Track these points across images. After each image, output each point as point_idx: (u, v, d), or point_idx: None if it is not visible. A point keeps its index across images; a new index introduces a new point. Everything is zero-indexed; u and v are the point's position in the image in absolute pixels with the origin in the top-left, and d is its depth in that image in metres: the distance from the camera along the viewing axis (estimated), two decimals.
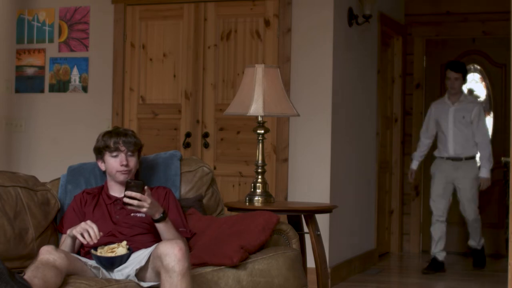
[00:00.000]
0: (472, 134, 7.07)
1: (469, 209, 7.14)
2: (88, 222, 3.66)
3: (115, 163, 3.95)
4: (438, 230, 7.15)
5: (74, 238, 3.71)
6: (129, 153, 3.96)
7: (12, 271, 3.20)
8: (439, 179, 7.16)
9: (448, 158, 7.12)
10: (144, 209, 3.70)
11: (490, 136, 7.90)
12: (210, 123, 6.49)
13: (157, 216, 3.77)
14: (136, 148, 4.00)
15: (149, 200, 3.69)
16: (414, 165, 7.39)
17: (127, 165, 3.94)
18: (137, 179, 4.05)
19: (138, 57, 6.68)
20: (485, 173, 7.07)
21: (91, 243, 3.62)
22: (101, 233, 3.64)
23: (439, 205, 7.15)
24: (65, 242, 3.74)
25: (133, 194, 3.67)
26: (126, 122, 6.67)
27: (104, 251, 3.63)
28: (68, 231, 3.73)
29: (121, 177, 3.96)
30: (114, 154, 3.95)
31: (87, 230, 3.61)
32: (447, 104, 7.17)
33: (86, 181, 4.20)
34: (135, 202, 3.67)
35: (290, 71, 6.27)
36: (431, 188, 7.24)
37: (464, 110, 7.10)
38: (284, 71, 6.15)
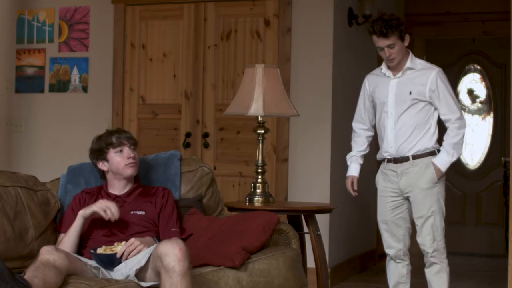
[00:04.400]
0: (426, 118, 4.58)
1: (424, 235, 4.58)
2: (104, 201, 3.77)
3: (121, 158, 3.99)
4: (393, 272, 4.76)
5: (86, 219, 3.78)
6: (132, 147, 4.02)
7: (13, 271, 3.20)
8: (383, 194, 4.74)
9: (389, 161, 4.70)
10: (144, 248, 3.68)
11: (490, 136, 7.88)
12: (210, 123, 6.49)
13: (154, 242, 3.82)
14: (136, 143, 4.07)
15: (137, 243, 3.67)
16: (353, 170, 4.90)
17: (134, 157, 4.00)
18: (136, 179, 4.07)
19: (138, 57, 6.68)
20: (440, 160, 4.52)
21: (113, 219, 3.72)
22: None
23: (387, 237, 4.71)
24: (76, 223, 3.78)
25: (123, 250, 3.64)
26: (126, 122, 6.67)
27: (103, 251, 3.64)
28: (82, 212, 3.79)
29: (130, 171, 3.99)
30: (119, 149, 3.99)
31: (109, 207, 3.72)
32: (385, 75, 4.67)
33: (86, 181, 4.21)
34: (134, 252, 3.65)
35: (290, 71, 6.27)
36: (377, 207, 4.80)
37: (412, 82, 4.56)
38: (284, 71, 6.15)
